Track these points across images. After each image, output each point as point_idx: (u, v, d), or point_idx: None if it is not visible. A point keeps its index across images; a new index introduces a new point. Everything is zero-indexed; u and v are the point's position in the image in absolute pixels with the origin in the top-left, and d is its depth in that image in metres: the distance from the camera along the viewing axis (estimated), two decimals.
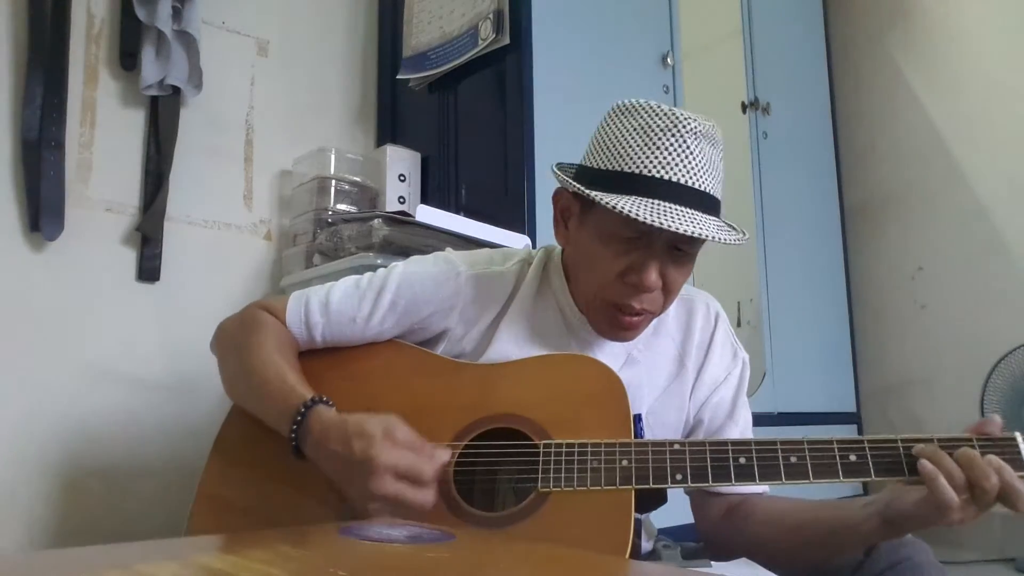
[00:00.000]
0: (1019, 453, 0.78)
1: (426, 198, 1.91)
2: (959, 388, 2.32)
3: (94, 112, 1.67)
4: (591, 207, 0.92)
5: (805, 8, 2.71)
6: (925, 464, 0.77)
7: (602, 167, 0.91)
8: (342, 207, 1.79)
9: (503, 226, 1.65)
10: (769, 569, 0.95)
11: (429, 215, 1.58)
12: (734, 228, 0.93)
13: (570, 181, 0.93)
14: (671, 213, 0.84)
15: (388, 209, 1.78)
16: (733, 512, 1.00)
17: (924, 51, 2.61)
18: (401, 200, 1.87)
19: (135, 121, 1.71)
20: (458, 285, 1.01)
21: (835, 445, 0.82)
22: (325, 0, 2.11)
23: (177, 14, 1.66)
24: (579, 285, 0.99)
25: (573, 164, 1.00)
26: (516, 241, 1.63)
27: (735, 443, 0.84)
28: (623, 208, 0.84)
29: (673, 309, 1.04)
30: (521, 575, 0.57)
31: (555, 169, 0.97)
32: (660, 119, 0.88)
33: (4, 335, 1.52)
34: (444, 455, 0.84)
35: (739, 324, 2.28)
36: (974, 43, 2.50)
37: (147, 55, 1.65)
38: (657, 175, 0.86)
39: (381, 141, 2.08)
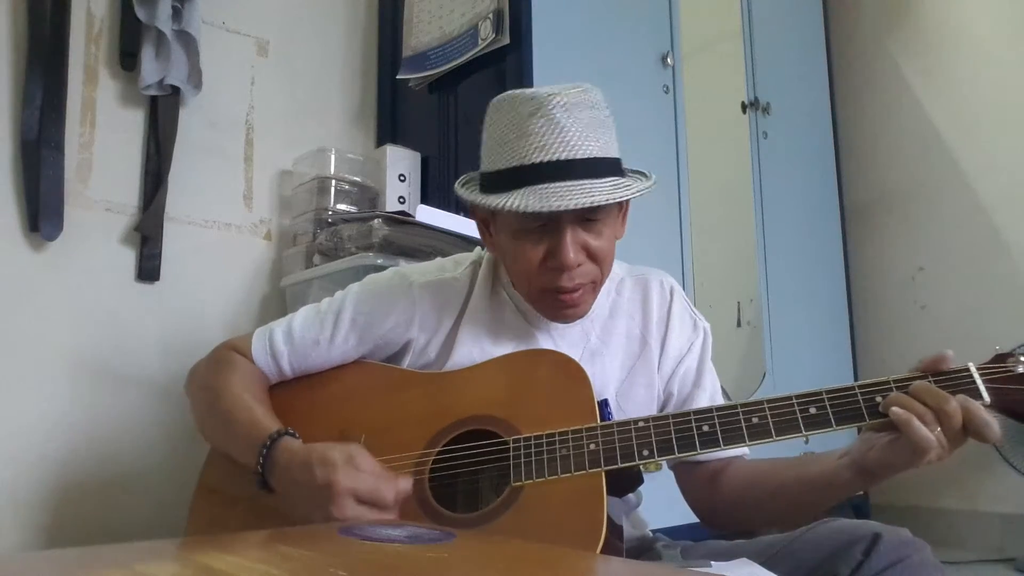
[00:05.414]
0: (974, 383, 0.79)
1: (426, 198, 1.90)
2: None
3: (94, 112, 1.67)
4: (497, 211, 0.95)
5: (805, 8, 2.71)
6: (897, 411, 0.78)
7: (494, 169, 0.94)
8: (342, 207, 1.79)
9: None
10: (753, 529, 0.96)
11: (429, 215, 1.58)
12: (644, 175, 0.96)
13: (464, 193, 0.96)
14: (560, 192, 0.87)
15: (388, 209, 1.78)
16: (716, 478, 1.01)
17: (924, 51, 2.61)
18: (401, 200, 1.87)
19: (134, 121, 1.72)
20: (412, 296, 1.03)
21: (794, 400, 0.83)
22: (325, 0, 2.11)
23: (177, 14, 1.66)
24: (514, 282, 1.02)
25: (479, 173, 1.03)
26: None
27: (697, 412, 0.85)
28: (513, 206, 0.87)
29: (628, 291, 1.07)
30: (521, 574, 0.57)
31: (457, 187, 1.00)
32: (526, 105, 0.91)
33: (3, 335, 1.52)
34: (407, 483, 0.84)
35: (739, 324, 2.28)
36: (974, 43, 2.50)
37: (147, 55, 1.65)
38: (538, 160, 0.89)
39: (381, 141, 2.08)
